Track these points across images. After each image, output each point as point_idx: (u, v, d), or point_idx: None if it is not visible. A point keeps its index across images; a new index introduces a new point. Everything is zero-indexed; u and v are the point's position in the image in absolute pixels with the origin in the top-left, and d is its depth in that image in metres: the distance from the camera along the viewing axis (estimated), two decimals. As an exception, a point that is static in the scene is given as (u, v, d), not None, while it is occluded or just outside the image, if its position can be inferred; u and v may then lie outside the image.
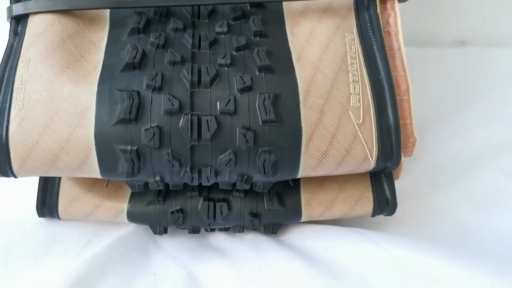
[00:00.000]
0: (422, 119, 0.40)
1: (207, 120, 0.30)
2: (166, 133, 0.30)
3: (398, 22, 0.36)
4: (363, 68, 0.34)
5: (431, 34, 0.59)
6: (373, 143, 0.32)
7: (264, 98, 0.31)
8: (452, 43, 0.59)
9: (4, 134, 0.31)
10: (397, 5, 0.37)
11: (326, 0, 0.36)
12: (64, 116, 0.31)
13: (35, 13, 0.34)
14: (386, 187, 0.36)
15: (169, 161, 0.30)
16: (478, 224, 0.38)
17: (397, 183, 0.36)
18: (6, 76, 0.32)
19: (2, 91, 0.32)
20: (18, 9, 0.34)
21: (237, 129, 0.30)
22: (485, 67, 0.55)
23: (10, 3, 0.35)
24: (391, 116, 0.32)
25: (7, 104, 0.31)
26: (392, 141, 0.32)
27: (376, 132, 0.32)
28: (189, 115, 0.30)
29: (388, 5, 0.37)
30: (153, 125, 0.30)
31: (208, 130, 0.30)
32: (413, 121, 0.35)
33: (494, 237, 0.37)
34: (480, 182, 0.41)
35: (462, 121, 0.47)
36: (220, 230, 0.37)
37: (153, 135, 0.30)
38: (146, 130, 0.30)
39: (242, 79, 0.31)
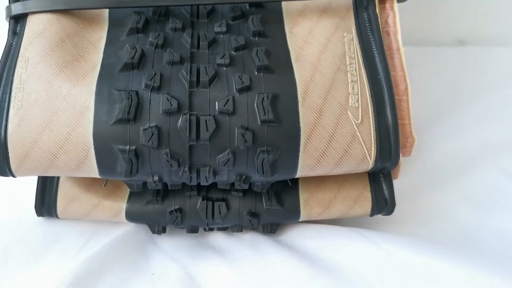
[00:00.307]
0: (421, 119, 0.40)
1: (206, 120, 0.30)
2: (164, 133, 0.30)
3: (397, 22, 0.36)
4: (362, 68, 0.34)
5: (430, 33, 0.59)
6: (371, 143, 0.32)
7: (263, 98, 0.31)
8: (451, 42, 0.59)
9: (2, 133, 0.31)
10: (396, 5, 0.37)
11: (325, 0, 0.36)
12: (63, 116, 0.31)
13: (34, 12, 0.34)
14: (384, 187, 0.36)
15: (167, 161, 0.30)
16: (478, 224, 0.38)
17: (396, 183, 0.36)
18: (4, 75, 0.32)
19: (1, 90, 0.32)
20: (17, 8, 0.34)
21: (236, 129, 0.30)
22: (485, 67, 0.54)
23: (9, 3, 0.35)
24: (389, 116, 0.32)
25: (6, 103, 0.31)
26: (390, 141, 0.32)
27: (375, 132, 0.32)
28: (188, 115, 0.30)
29: (387, 5, 0.37)
30: (151, 125, 0.30)
31: (207, 130, 0.30)
32: (412, 121, 0.35)
33: (494, 237, 0.37)
34: (480, 182, 0.41)
35: (461, 120, 0.47)
36: (219, 229, 0.37)
37: (152, 135, 0.30)
38: (144, 130, 0.30)
39: (241, 79, 0.31)
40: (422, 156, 0.43)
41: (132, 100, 0.30)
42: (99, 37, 0.34)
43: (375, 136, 0.32)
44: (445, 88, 0.51)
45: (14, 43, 0.34)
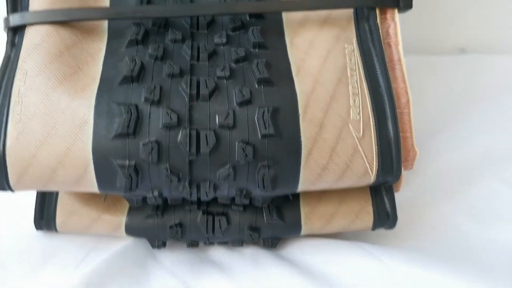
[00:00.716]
0: (422, 129, 0.39)
1: (206, 134, 0.30)
2: (164, 147, 0.30)
3: (398, 33, 0.36)
4: (363, 80, 0.33)
5: (431, 42, 0.59)
6: (373, 157, 0.32)
7: (263, 111, 0.30)
8: (452, 50, 0.59)
9: (1, 148, 0.30)
10: (397, 15, 0.36)
11: (325, 11, 0.36)
12: (62, 130, 0.30)
13: (32, 24, 0.34)
14: (386, 200, 0.36)
15: (167, 176, 0.30)
16: (480, 236, 0.38)
17: (397, 196, 0.36)
18: (3, 88, 0.32)
19: None
20: (15, 20, 0.34)
21: (236, 143, 0.30)
22: (486, 75, 0.54)
23: (7, 14, 0.34)
24: (391, 130, 0.32)
25: (4, 117, 0.31)
26: (392, 155, 0.32)
27: (376, 146, 0.32)
28: (188, 129, 0.30)
29: (388, 16, 0.36)
30: (151, 139, 0.30)
31: (207, 144, 0.30)
32: (414, 134, 0.34)
33: (497, 249, 0.37)
34: (482, 194, 0.41)
35: (463, 130, 0.47)
36: (219, 243, 0.37)
37: (152, 150, 0.30)
38: (144, 144, 0.30)
39: (241, 93, 0.31)
40: (423, 168, 0.42)
41: (131, 114, 0.30)
42: (98, 48, 0.34)
43: (376, 150, 0.32)
44: (446, 97, 0.51)
45: (12, 55, 0.33)
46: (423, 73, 0.52)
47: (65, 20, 0.34)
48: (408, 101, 0.35)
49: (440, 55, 0.57)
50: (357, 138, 0.32)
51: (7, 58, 0.33)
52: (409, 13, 0.37)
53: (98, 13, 0.34)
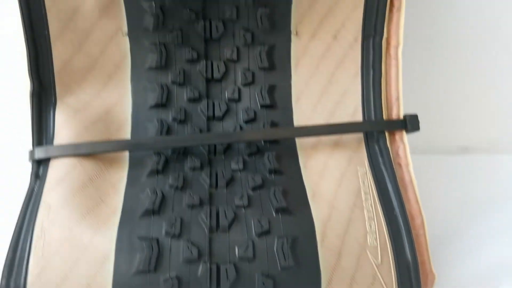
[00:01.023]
0: (433, 237, 0.39)
1: (226, 269, 0.30)
2: (184, 283, 0.30)
3: (408, 154, 0.37)
4: (378, 204, 0.34)
5: (433, 141, 0.60)
6: (392, 285, 0.32)
7: (283, 243, 0.31)
8: (455, 149, 0.60)
9: (22, 284, 0.30)
10: (405, 136, 0.38)
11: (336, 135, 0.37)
12: (83, 266, 0.30)
13: (57, 157, 0.35)
14: (407, 323, 0.35)
15: (187, 313, 0.30)
16: None
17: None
18: (26, 222, 0.33)
19: (22, 238, 0.32)
20: (40, 153, 0.35)
21: (256, 275, 0.30)
22: (491, 175, 0.55)
23: (32, 147, 0.36)
24: (409, 255, 0.32)
25: (26, 253, 0.31)
26: (412, 281, 0.32)
27: (395, 273, 0.32)
28: (208, 264, 0.30)
29: (397, 137, 0.38)
30: (172, 275, 0.30)
31: (227, 279, 0.30)
32: (431, 257, 0.35)
33: None
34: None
35: (472, 237, 0.47)
36: None
37: (172, 286, 0.30)
38: (165, 280, 0.30)
39: (260, 223, 0.32)
40: (437, 281, 0.42)
41: (152, 250, 0.30)
42: (120, 177, 0.35)
43: (396, 277, 0.32)
44: (453, 201, 0.51)
45: (36, 187, 0.34)
46: (427, 173, 0.53)
47: (89, 153, 0.35)
48: (422, 222, 0.35)
49: (443, 154, 0.58)
50: (376, 265, 0.32)
51: (31, 191, 0.34)
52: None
53: (120, 145, 0.35)
